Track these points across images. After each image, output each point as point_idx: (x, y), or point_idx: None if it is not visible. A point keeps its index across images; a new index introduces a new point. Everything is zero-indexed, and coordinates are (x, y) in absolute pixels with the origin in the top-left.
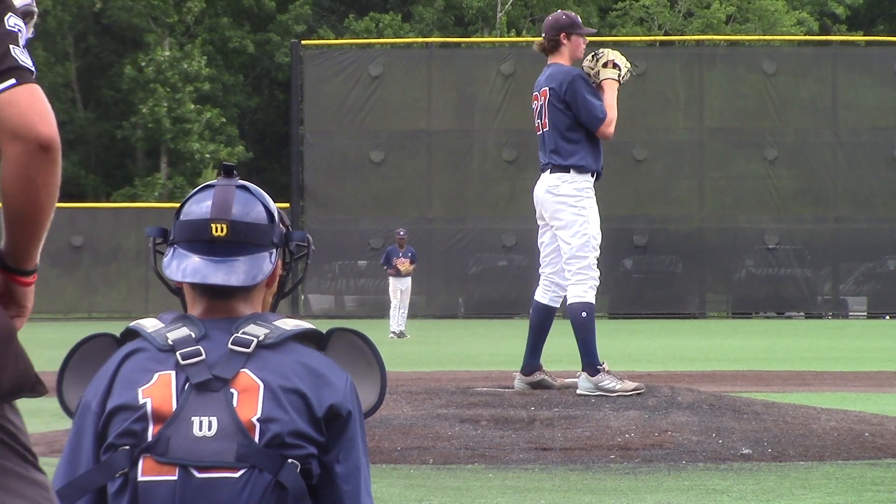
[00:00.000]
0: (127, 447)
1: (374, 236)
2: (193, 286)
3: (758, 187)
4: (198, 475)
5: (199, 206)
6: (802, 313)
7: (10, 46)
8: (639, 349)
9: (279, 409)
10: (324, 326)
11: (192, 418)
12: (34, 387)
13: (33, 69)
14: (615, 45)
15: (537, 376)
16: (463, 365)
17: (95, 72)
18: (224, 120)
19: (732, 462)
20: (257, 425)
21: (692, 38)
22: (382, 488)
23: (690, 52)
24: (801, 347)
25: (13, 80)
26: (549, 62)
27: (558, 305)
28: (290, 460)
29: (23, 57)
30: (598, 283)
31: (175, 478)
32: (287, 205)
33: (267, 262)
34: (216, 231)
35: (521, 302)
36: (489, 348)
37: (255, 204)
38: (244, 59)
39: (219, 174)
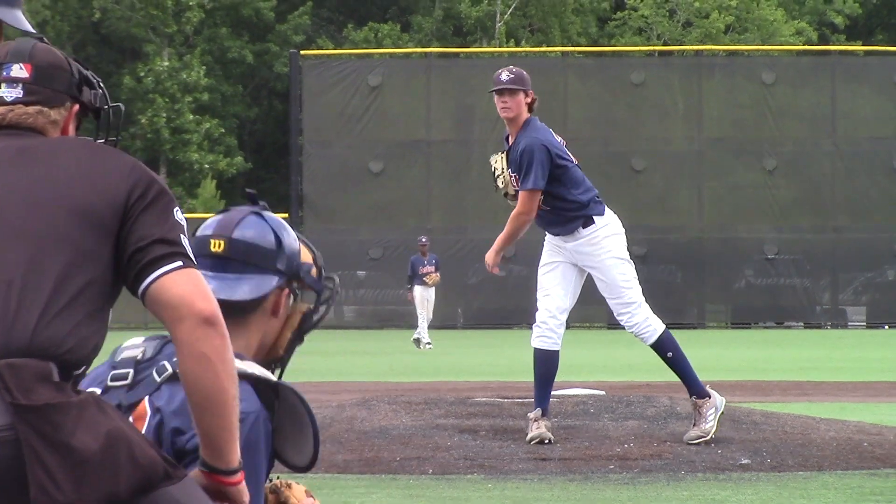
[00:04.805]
0: None
1: (374, 246)
2: None
3: (757, 197)
4: None
5: (207, 225)
6: (801, 323)
7: (181, 235)
8: (638, 359)
9: (155, 439)
10: (322, 336)
11: None
12: (167, 474)
13: (194, 259)
14: (614, 55)
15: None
16: (462, 375)
17: None
18: (223, 130)
19: (731, 472)
20: None
21: (691, 47)
22: (382, 499)
23: (689, 62)
24: (800, 357)
25: (179, 263)
26: None
27: (559, 347)
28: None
29: (189, 246)
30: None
31: None
32: (286, 215)
33: (265, 286)
34: (214, 247)
35: (519, 312)
36: (488, 358)
37: (263, 228)
38: (243, 69)
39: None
